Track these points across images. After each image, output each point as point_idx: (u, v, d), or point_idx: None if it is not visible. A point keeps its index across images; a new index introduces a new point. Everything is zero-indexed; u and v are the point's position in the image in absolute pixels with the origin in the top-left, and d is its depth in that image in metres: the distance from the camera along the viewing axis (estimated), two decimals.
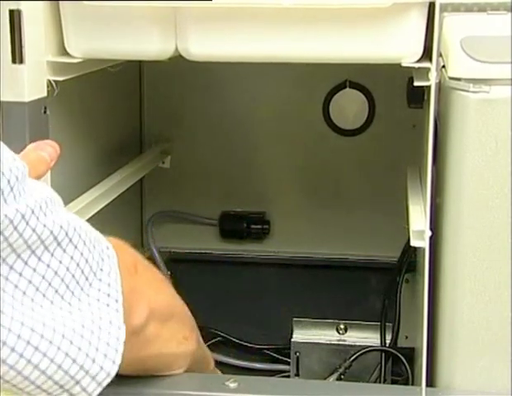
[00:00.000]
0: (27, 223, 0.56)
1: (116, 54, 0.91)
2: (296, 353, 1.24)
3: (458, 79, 0.73)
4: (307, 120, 1.31)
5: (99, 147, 1.14)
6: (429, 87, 0.75)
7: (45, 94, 0.87)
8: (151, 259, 1.28)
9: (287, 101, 1.30)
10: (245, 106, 1.32)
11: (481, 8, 0.81)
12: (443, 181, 0.77)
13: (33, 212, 0.57)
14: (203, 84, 1.31)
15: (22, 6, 0.81)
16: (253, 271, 1.34)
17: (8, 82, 0.81)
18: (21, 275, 0.57)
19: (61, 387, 0.58)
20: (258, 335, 1.28)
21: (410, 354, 1.11)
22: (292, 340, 1.25)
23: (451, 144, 0.75)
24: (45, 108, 0.87)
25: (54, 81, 0.88)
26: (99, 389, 0.60)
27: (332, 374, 1.13)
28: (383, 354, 1.15)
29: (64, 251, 0.59)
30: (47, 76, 0.87)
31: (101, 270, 0.63)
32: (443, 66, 0.78)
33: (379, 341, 1.19)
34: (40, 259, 0.58)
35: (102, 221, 1.04)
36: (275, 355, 1.29)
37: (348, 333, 1.23)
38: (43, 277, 0.58)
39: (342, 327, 1.23)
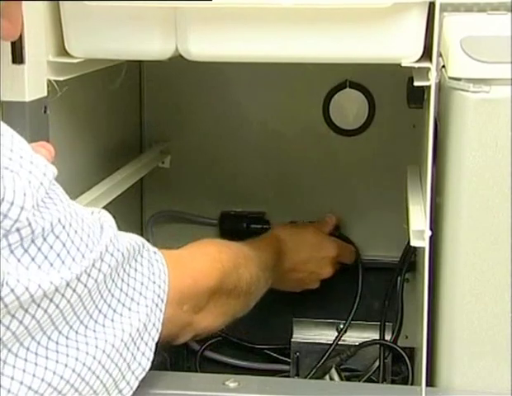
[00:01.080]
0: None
1: (117, 54, 0.91)
2: (296, 353, 1.24)
3: (458, 79, 0.73)
4: (307, 119, 1.30)
5: (99, 147, 1.14)
6: (428, 87, 0.75)
7: (45, 94, 0.87)
8: None
9: (287, 101, 1.30)
10: (245, 106, 1.32)
11: (481, 8, 0.81)
12: (443, 180, 0.77)
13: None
14: (203, 84, 1.31)
15: (23, 6, 0.81)
16: None
17: (9, 81, 0.81)
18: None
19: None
20: (258, 335, 1.28)
21: (411, 353, 1.11)
22: (292, 340, 1.25)
23: (451, 144, 0.75)
24: (46, 108, 0.87)
25: (56, 81, 0.88)
26: (136, 383, 0.71)
27: (330, 368, 1.14)
28: (382, 348, 1.15)
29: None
30: (47, 76, 0.87)
31: (153, 273, 0.74)
32: (443, 66, 0.78)
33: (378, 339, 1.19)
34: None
35: None
36: (275, 355, 1.29)
37: (348, 333, 1.23)
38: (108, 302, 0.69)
39: (342, 326, 1.23)
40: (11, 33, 0.73)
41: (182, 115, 1.33)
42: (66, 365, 0.63)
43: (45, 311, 0.61)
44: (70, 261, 0.63)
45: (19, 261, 0.60)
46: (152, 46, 0.88)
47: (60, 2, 0.88)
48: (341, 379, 1.12)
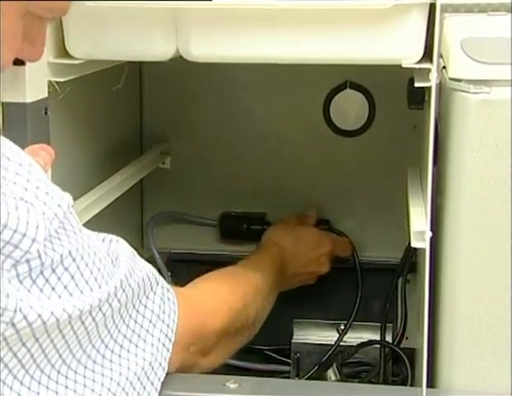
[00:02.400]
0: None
1: (117, 55, 0.91)
2: (296, 354, 1.24)
3: (459, 80, 0.73)
4: (307, 120, 1.30)
5: (99, 148, 1.14)
6: (429, 88, 0.75)
7: (45, 95, 0.87)
8: (151, 260, 1.28)
9: (288, 102, 1.30)
10: (245, 106, 1.32)
11: (482, 9, 0.81)
12: (444, 181, 0.77)
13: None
14: (203, 85, 1.31)
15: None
16: None
17: (9, 83, 0.81)
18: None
19: None
20: (259, 336, 1.28)
21: (411, 354, 1.11)
22: (293, 341, 1.25)
23: (451, 145, 0.75)
24: (46, 109, 0.87)
25: (57, 83, 0.88)
26: None
27: (330, 366, 1.14)
28: (383, 349, 1.15)
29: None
30: (48, 77, 0.87)
31: (164, 312, 0.75)
32: (444, 67, 0.78)
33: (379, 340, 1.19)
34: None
35: (103, 222, 1.04)
36: (275, 355, 1.29)
37: (348, 334, 1.23)
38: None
39: (342, 327, 1.23)
40: (34, 55, 0.74)
41: (182, 116, 1.33)
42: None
43: (52, 341, 0.62)
44: (78, 293, 0.63)
45: (29, 291, 0.60)
46: (152, 47, 0.88)
47: None
48: (340, 376, 1.12)
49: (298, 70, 1.20)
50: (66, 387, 0.63)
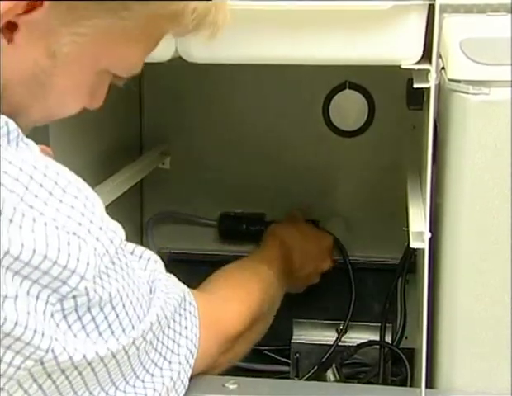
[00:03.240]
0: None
1: None
2: (295, 354, 1.24)
3: (458, 81, 0.73)
4: (307, 121, 1.30)
5: (99, 148, 1.14)
6: (428, 89, 0.75)
7: None
8: None
9: (287, 103, 1.30)
10: (245, 107, 1.32)
11: (481, 10, 0.81)
12: (443, 182, 0.77)
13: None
14: (203, 85, 1.31)
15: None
16: None
17: None
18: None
19: None
20: None
21: (410, 354, 1.11)
22: (292, 341, 1.25)
23: (451, 146, 0.75)
24: None
25: None
26: None
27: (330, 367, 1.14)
28: (382, 349, 1.15)
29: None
30: None
31: (186, 327, 0.74)
32: (443, 68, 0.78)
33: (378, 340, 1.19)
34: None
35: None
36: (275, 356, 1.29)
37: (347, 334, 1.23)
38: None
39: (341, 328, 1.23)
40: (91, 106, 0.74)
41: (182, 116, 1.33)
42: None
43: (80, 373, 0.62)
44: (120, 332, 0.64)
45: (69, 327, 0.60)
46: None
47: None
48: (340, 377, 1.12)
49: (298, 70, 1.20)
50: None
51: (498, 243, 0.74)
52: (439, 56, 0.79)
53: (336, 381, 1.12)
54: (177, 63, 0.89)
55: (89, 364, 0.61)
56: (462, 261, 0.76)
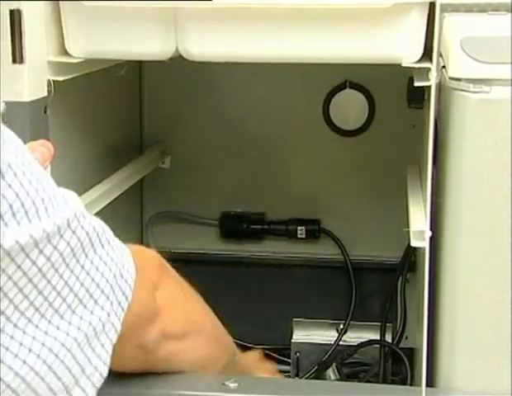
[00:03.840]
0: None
1: (117, 55, 0.91)
2: (296, 353, 1.24)
3: (459, 79, 0.73)
4: (307, 120, 1.30)
5: (99, 147, 1.14)
6: (429, 88, 0.75)
7: (45, 94, 0.87)
8: None
9: (287, 102, 1.30)
10: (245, 106, 1.32)
11: (482, 9, 0.81)
12: (444, 181, 0.77)
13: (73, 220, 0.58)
14: (203, 85, 1.31)
15: (23, 6, 0.81)
16: (253, 271, 1.34)
17: (9, 81, 0.81)
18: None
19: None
20: (258, 335, 1.28)
21: (411, 354, 1.11)
22: (292, 340, 1.25)
23: (451, 145, 0.75)
24: (46, 108, 0.87)
25: (54, 81, 0.88)
26: (94, 391, 0.61)
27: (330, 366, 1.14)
28: (383, 349, 1.15)
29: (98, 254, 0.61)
30: (47, 76, 0.87)
31: (123, 266, 0.64)
32: (444, 66, 0.78)
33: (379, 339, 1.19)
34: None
35: (103, 221, 1.04)
36: (275, 355, 1.29)
37: (348, 334, 1.23)
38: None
39: (342, 327, 1.23)
40: None
41: (182, 115, 1.33)
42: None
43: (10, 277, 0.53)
44: (24, 218, 0.54)
45: None
46: (152, 46, 0.88)
47: (60, 2, 0.88)
48: (340, 376, 1.12)
49: (298, 70, 1.20)
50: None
51: (498, 242, 0.74)
52: (440, 55, 0.79)
53: (336, 380, 1.12)
54: (178, 61, 0.89)
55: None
56: (462, 261, 0.76)
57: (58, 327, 0.58)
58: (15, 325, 0.55)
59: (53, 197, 0.57)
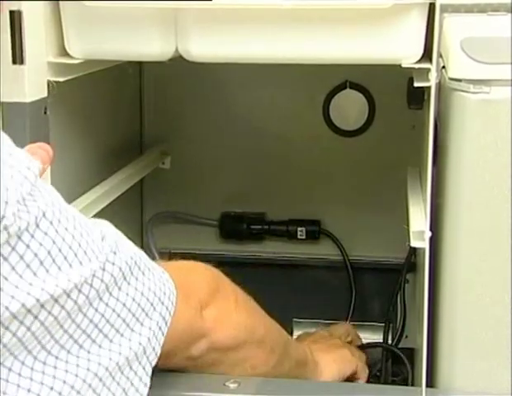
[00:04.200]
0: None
1: (117, 55, 0.91)
2: None
3: (458, 80, 0.73)
4: (307, 120, 1.31)
5: (99, 148, 1.14)
6: (429, 88, 0.75)
7: (45, 94, 0.87)
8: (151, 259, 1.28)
9: (287, 102, 1.30)
10: (245, 106, 1.32)
11: (482, 9, 0.81)
12: (443, 181, 0.77)
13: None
14: (203, 85, 1.31)
15: (23, 6, 0.81)
16: (253, 271, 1.34)
17: (9, 82, 0.81)
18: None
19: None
20: None
21: (411, 354, 1.11)
22: None
23: (451, 145, 0.75)
24: (46, 109, 0.87)
25: (54, 81, 0.88)
26: None
27: None
28: (384, 352, 1.15)
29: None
30: (47, 76, 0.87)
31: (164, 293, 0.68)
32: (443, 67, 0.78)
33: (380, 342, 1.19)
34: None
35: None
36: None
37: None
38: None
39: None
40: None
41: (182, 115, 1.33)
42: (52, 389, 0.58)
43: (28, 328, 0.56)
44: (60, 265, 0.57)
45: (6, 259, 0.54)
46: (152, 47, 0.88)
47: (60, 2, 0.88)
48: None
49: (298, 70, 1.20)
50: (43, 373, 0.58)
51: (498, 243, 0.74)
52: (440, 55, 0.79)
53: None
54: (178, 62, 0.89)
55: (31, 313, 0.56)
56: (462, 261, 0.76)
57: (98, 354, 0.61)
58: (56, 357, 0.59)
59: (90, 241, 0.61)
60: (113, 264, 0.62)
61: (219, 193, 1.35)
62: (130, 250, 0.65)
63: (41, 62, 0.86)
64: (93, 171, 1.10)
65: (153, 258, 1.29)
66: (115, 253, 0.63)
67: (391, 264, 1.24)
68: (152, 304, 0.66)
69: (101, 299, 0.61)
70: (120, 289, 0.63)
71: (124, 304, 0.64)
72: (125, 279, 0.64)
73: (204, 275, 0.80)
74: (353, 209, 1.32)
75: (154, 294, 0.67)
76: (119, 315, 0.63)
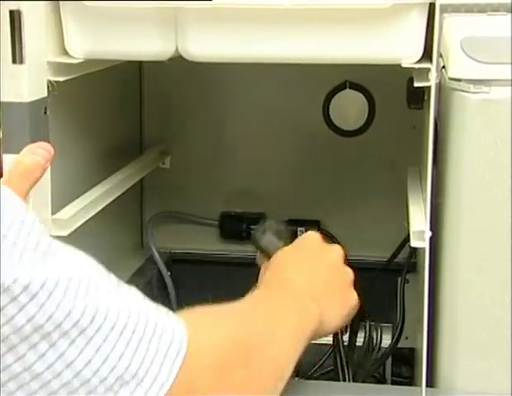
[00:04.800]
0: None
1: (117, 55, 0.91)
2: None
3: (458, 80, 0.73)
4: (307, 120, 1.30)
5: (99, 147, 1.14)
6: (429, 88, 0.75)
7: (45, 94, 0.87)
8: (151, 260, 1.28)
9: (287, 102, 1.30)
10: (245, 106, 1.32)
11: (481, 9, 0.81)
12: (444, 181, 0.77)
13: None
14: (203, 85, 1.31)
15: (22, 6, 0.81)
16: (253, 271, 1.33)
17: (8, 82, 0.81)
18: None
19: None
20: None
21: (411, 354, 1.11)
22: None
23: (451, 145, 0.75)
24: (46, 108, 0.87)
25: (54, 81, 0.88)
26: None
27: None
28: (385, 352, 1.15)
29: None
30: (47, 76, 0.87)
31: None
32: (443, 67, 0.78)
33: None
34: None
35: (103, 221, 1.04)
36: None
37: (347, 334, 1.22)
38: None
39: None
40: None
41: (182, 115, 1.33)
42: None
43: None
44: None
45: None
46: (152, 47, 0.88)
47: (60, 2, 0.88)
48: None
49: (298, 70, 1.20)
50: None
51: (498, 243, 0.74)
52: (440, 55, 0.79)
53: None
54: (178, 62, 0.89)
55: None
56: (462, 261, 0.76)
57: None
58: None
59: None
60: None
61: (219, 193, 1.35)
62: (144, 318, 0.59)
63: (41, 61, 0.86)
64: (93, 171, 1.10)
65: (152, 258, 1.30)
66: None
67: (391, 264, 1.24)
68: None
69: None
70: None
71: None
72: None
73: (204, 358, 0.66)
74: (352, 209, 1.32)
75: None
76: None
